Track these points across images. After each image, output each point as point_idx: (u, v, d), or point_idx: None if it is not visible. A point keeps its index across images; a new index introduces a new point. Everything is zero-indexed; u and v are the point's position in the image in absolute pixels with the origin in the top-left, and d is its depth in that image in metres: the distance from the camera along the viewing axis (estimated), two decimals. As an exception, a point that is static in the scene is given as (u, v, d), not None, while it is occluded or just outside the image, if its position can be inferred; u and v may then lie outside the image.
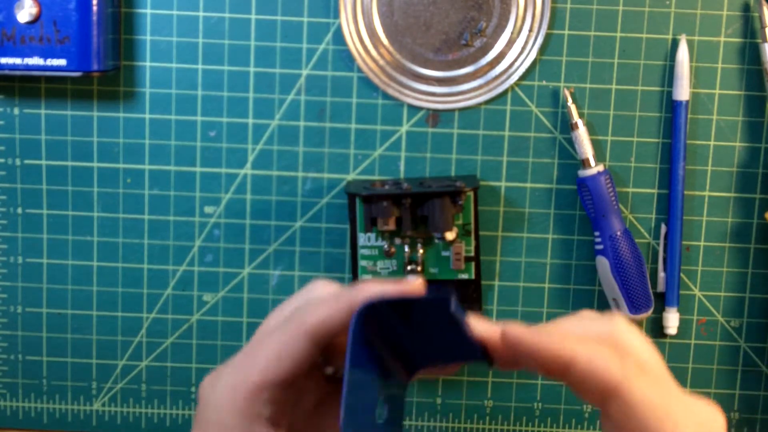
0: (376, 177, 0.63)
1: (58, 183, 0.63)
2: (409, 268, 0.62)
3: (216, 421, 0.45)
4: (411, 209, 0.59)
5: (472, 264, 0.62)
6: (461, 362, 0.48)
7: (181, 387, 0.65)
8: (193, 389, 0.65)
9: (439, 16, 0.61)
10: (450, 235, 0.60)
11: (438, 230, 0.59)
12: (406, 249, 0.62)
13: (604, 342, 0.45)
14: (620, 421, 0.44)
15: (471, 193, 0.61)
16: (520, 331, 0.43)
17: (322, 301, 0.45)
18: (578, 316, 0.47)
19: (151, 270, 0.64)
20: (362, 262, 0.62)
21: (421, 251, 0.62)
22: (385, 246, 0.62)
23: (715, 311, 0.64)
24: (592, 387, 0.43)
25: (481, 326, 0.45)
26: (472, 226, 0.62)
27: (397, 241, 0.62)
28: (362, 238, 0.61)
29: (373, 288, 0.44)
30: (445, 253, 0.62)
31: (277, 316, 0.48)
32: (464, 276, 0.62)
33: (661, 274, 0.63)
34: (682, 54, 0.61)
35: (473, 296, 0.63)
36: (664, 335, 0.64)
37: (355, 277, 0.62)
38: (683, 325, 0.64)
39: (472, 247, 0.62)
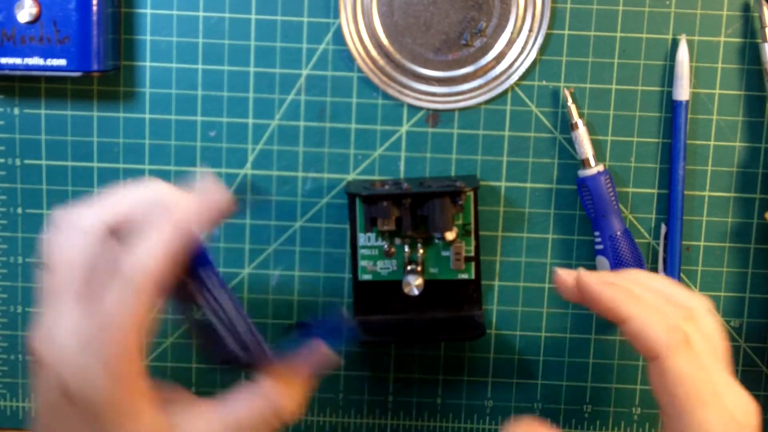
0: (376, 177, 0.63)
1: (58, 183, 0.63)
2: (409, 268, 0.62)
3: (100, 409, 0.44)
4: (411, 209, 0.59)
5: (472, 264, 0.62)
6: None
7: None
8: (193, 389, 0.65)
9: (439, 16, 0.61)
10: (450, 235, 0.60)
11: (438, 230, 0.59)
12: (406, 249, 0.62)
13: (677, 308, 0.50)
14: (655, 382, 0.49)
15: (471, 193, 0.61)
16: (591, 279, 0.51)
17: (151, 246, 0.44)
18: (667, 281, 0.53)
19: (151, 270, 0.64)
20: (362, 262, 0.62)
21: (421, 251, 0.62)
22: (385, 246, 0.62)
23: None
24: (639, 346, 0.49)
25: (563, 272, 0.53)
26: (472, 226, 0.62)
27: (397, 241, 0.62)
28: (362, 238, 0.61)
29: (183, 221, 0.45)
30: (445, 253, 0.62)
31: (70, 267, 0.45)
32: (464, 276, 0.62)
33: (661, 275, 0.63)
34: (682, 54, 0.61)
35: (473, 296, 0.63)
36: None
37: (355, 277, 0.62)
38: (683, 325, 0.64)
39: (472, 247, 0.62)
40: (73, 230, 0.46)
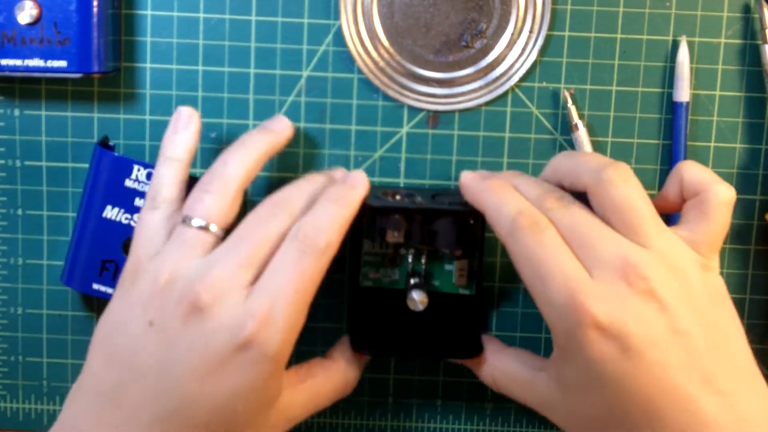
0: (376, 178, 0.62)
1: (58, 184, 0.63)
2: (412, 280, 0.61)
3: (279, 357, 0.52)
4: (421, 224, 0.58)
5: (475, 281, 0.62)
6: None
7: (181, 388, 0.65)
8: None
9: (440, 18, 0.61)
10: (457, 252, 0.60)
11: (447, 248, 0.58)
12: (410, 259, 0.61)
13: (545, 193, 0.54)
14: (514, 265, 0.53)
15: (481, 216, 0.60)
16: (468, 177, 0.57)
17: (340, 224, 0.54)
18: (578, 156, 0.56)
19: (151, 271, 0.64)
20: (365, 269, 0.61)
21: (425, 263, 0.61)
22: (389, 254, 0.61)
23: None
24: (496, 233, 0.54)
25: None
26: (478, 243, 0.61)
27: (402, 250, 0.61)
28: (367, 244, 0.61)
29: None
30: (448, 267, 0.62)
31: (274, 232, 0.54)
32: (465, 292, 0.62)
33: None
34: (683, 55, 0.61)
35: (473, 312, 0.62)
36: (665, 336, 0.64)
37: (356, 282, 0.62)
38: (683, 327, 0.64)
39: (476, 264, 0.61)
40: (266, 216, 0.54)
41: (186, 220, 0.54)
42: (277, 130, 0.58)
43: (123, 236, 0.60)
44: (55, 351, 0.65)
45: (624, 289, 0.49)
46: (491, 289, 0.64)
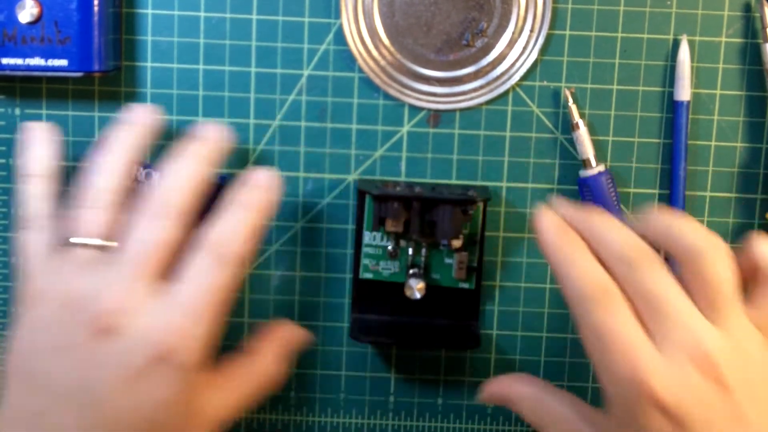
0: (377, 177, 0.63)
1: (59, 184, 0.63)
2: (411, 271, 0.61)
3: (197, 367, 0.52)
4: (420, 213, 0.58)
5: (474, 275, 0.62)
6: None
7: (182, 387, 0.65)
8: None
9: (441, 17, 0.61)
10: (456, 243, 0.60)
11: (445, 237, 0.58)
12: (410, 252, 0.62)
13: (618, 258, 0.51)
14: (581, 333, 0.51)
15: (480, 204, 0.61)
16: (547, 224, 0.53)
17: (252, 232, 0.54)
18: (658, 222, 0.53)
19: (152, 270, 0.64)
20: (365, 261, 0.62)
21: (425, 256, 0.62)
22: (390, 247, 0.62)
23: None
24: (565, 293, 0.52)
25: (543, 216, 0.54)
26: (479, 237, 0.61)
27: (402, 243, 0.62)
28: (367, 236, 0.61)
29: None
30: (448, 261, 0.62)
31: (169, 236, 0.53)
32: (465, 286, 0.62)
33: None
34: (683, 54, 0.61)
35: (472, 306, 0.63)
36: (666, 336, 0.64)
37: (356, 274, 0.62)
38: (684, 326, 0.64)
39: (476, 258, 0.62)
40: (154, 217, 0.53)
41: (68, 240, 0.53)
42: (140, 122, 0.57)
43: None
44: (55, 350, 0.65)
45: (691, 371, 0.48)
46: (492, 288, 0.64)
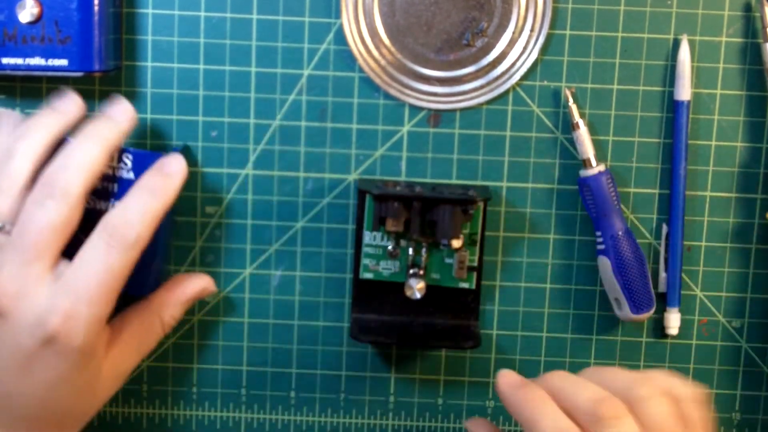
0: (377, 177, 0.63)
1: (59, 183, 0.62)
2: (411, 271, 0.61)
3: (86, 348, 0.53)
4: (421, 213, 0.58)
5: (474, 274, 0.62)
6: None
7: (182, 387, 0.65)
8: (194, 389, 0.65)
9: (441, 16, 0.61)
10: (456, 243, 0.60)
11: (445, 237, 0.58)
12: (410, 252, 0.62)
13: (587, 406, 0.50)
14: None
15: (481, 204, 0.61)
16: (505, 382, 0.54)
17: (151, 217, 0.54)
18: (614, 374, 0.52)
19: (152, 270, 0.64)
20: (365, 260, 0.62)
21: (425, 255, 0.62)
22: (390, 246, 0.62)
23: (716, 311, 0.64)
24: None
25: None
26: (479, 236, 0.61)
27: (402, 243, 0.61)
28: (368, 236, 0.61)
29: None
30: (448, 260, 0.62)
31: (56, 216, 0.53)
32: (465, 285, 0.62)
33: (663, 275, 0.63)
34: (684, 54, 0.61)
35: (471, 306, 0.63)
36: (665, 336, 0.64)
37: (356, 275, 0.62)
38: (684, 326, 0.64)
39: (476, 258, 0.62)
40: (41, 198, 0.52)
41: None
42: (66, 110, 0.56)
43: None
44: (55, 350, 0.65)
45: None
46: (492, 288, 0.64)
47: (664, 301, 0.63)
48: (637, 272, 0.61)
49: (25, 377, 0.52)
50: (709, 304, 0.64)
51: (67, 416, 0.55)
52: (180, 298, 0.60)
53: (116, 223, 0.53)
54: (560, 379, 0.53)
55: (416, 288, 0.61)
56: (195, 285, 0.61)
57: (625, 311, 0.62)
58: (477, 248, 0.62)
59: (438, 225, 0.58)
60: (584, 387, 0.51)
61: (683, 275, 0.63)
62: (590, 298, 0.64)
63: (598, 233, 0.62)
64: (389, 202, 0.58)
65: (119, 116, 0.56)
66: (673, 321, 0.63)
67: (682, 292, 0.63)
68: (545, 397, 0.52)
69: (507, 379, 0.54)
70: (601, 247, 0.61)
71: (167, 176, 0.55)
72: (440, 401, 0.66)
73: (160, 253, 0.60)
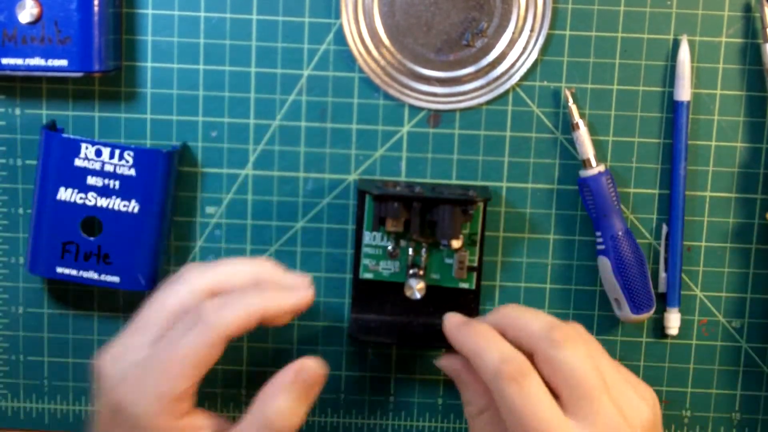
0: (377, 177, 0.63)
1: (59, 183, 0.63)
2: (411, 271, 0.61)
3: (144, 426, 0.52)
4: (421, 213, 0.59)
5: (474, 275, 0.62)
6: None
7: (182, 387, 0.65)
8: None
9: (441, 17, 0.61)
10: (456, 243, 0.60)
11: (445, 237, 0.59)
12: (410, 252, 0.62)
13: (527, 335, 0.53)
14: (500, 410, 0.52)
15: (480, 204, 0.61)
16: (450, 323, 0.57)
17: (245, 311, 0.52)
18: (529, 314, 0.55)
19: (152, 270, 0.64)
20: (365, 261, 0.62)
21: (424, 256, 0.62)
22: (390, 247, 0.62)
23: (716, 312, 0.64)
24: (484, 380, 0.53)
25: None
26: (479, 237, 0.61)
27: (402, 243, 0.62)
28: (368, 236, 0.61)
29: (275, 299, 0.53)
30: (448, 261, 0.62)
31: (159, 310, 0.54)
32: (465, 285, 0.62)
33: (663, 275, 0.63)
34: (684, 54, 0.61)
35: (471, 306, 0.63)
36: (665, 336, 0.64)
37: (356, 274, 0.62)
38: (684, 326, 0.64)
39: (476, 258, 0.62)
40: (181, 284, 0.54)
41: None
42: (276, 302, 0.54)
43: (80, 217, 0.59)
44: (56, 350, 0.65)
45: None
46: (492, 288, 0.64)
47: (664, 301, 0.63)
48: (637, 272, 0.61)
49: None
50: (709, 304, 0.64)
51: None
52: (277, 388, 0.53)
53: (206, 306, 0.52)
54: (505, 313, 0.56)
55: (416, 288, 0.61)
56: (293, 369, 0.53)
57: (625, 311, 0.62)
58: (477, 248, 0.62)
59: (438, 225, 0.58)
60: (534, 316, 0.55)
61: (683, 275, 0.63)
62: (590, 298, 0.64)
63: (598, 233, 0.62)
64: (389, 203, 0.58)
65: (292, 294, 0.54)
66: (673, 321, 0.63)
67: (682, 292, 0.63)
68: (489, 329, 0.55)
69: (452, 320, 0.57)
70: (601, 247, 0.61)
71: (286, 289, 0.54)
72: (440, 401, 0.66)
73: (155, 250, 0.60)
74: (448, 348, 0.63)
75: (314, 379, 0.53)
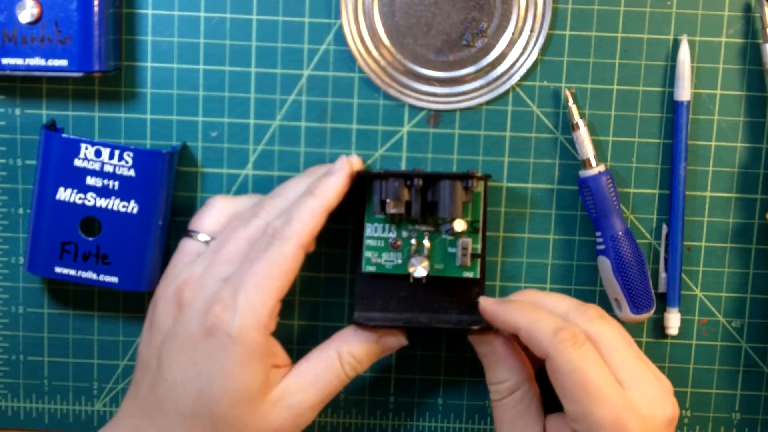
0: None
1: (59, 183, 0.63)
2: (413, 260, 0.61)
3: (241, 340, 0.54)
4: (422, 194, 0.58)
5: (478, 262, 0.61)
6: None
7: (182, 387, 0.65)
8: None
9: (441, 17, 0.61)
10: (458, 226, 0.60)
11: (447, 214, 0.58)
12: (413, 242, 0.61)
13: (574, 312, 0.57)
14: (552, 379, 0.54)
15: (481, 191, 0.61)
16: (488, 302, 0.58)
17: (309, 213, 0.56)
18: (560, 298, 0.59)
19: (152, 270, 0.64)
20: (367, 253, 0.61)
21: (427, 245, 0.61)
22: (392, 238, 0.61)
23: (716, 312, 0.64)
24: (533, 350, 0.55)
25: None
26: (480, 224, 0.61)
27: (404, 233, 0.61)
28: (369, 228, 0.61)
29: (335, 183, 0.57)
30: (451, 250, 0.62)
31: (237, 239, 0.57)
32: (469, 274, 0.62)
33: (663, 275, 0.63)
34: (684, 54, 0.61)
35: (477, 295, 0.62)
36: (665, 336, 0.64)
37: (359, 268, 0.62)
38: (684, 326, 0.64)
39: (479, 245, 0.62)
40: (251, 216, 0.58)
41: (189, 233, 0.60)
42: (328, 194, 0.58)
43: (79, 217, 0.59)
44: (56, 350, 0.65)
45: (662, 420, 0.55)
46: (493, 288, 0.64)
47: (664, 301, 0.63)
48: (636, 273, 0.61)
49: (189, 366, 0.55)
50: (709, 304, 0.64)
51: (222, 423, 0.55)
52: (361, 336, 0.58)
53: (275, 223, 0.56)
54: (528, 296, 0.60)
55: (420, 266, 0.60)
56: (380, 330, 0.59)
57: (625, 311, 0.62)
58: (480, 236, 0.61)
59: (439, 204, 0.58)
60: (560, 297, 0.59)
61: (683, 275, 0.63)
62: (590, 298, 0.64)
63: (598, 233, 0.62)
64: (389, 181, 0.58)
65: (336, 175, 0.58)
66: (673, 321, 0.63)
67: (682, 292, 0.63)
68: (533, 304, 0.57)
69: (489, 300, 0.59)
70: (601, 247, 0.61)
71: (328, 176, 0.58)
72: (440, 401, 0.66)
73: (154, 251, 0.60)
74: (455, 329, 0.62)
75: (394, 346, 0.59)
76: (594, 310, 0.57)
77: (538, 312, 0.56)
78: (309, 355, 0.58)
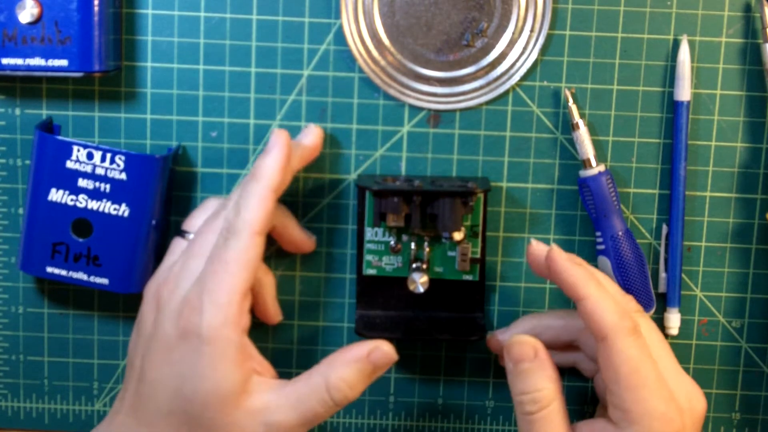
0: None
1: (59, 183, 0.63)
2: (414, 265, 0.61)
3: (211, 340, 0.53)
4: (421, 207, 0.59)
5: (477, 266, 0.62)
6: None
7: (182, 387, 0.65)
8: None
9: (441, 17, 0.61)
10: (458, 236, 0.60)
11: (447, 230, 0.59)
12: (413, 246, 0.62)
13: (629, 301, 0.58)
14: (603, 361, 0.54)
15: (481, 195, 0.61)
16: (561, 255, 0.56)
17: (255, 199, 0.54)
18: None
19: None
20: (367, 257, 0.62)
21: (427, 249, 0.62)
22: (392, 242, 0.62)
23: (716, 312, 0.64)
24: (591, 325, 0.54)
25: (537, 245, 0.57)
26: (480, 228, 0.61)
27: (404, 237, 0.61)
28: (369, 233, 0.61)
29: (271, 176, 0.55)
30: (451, 253, 0.62)
31: (206, 232, 0.57)
32: (468, 277, 0.62)
33: (663, 275, 0.63)
34: (684, 54, 0.61)
35: (476, 298, 0.63)
36: (666, 336, 0.64)
37: (359, 271, 0.62)
38: (684, 326, 0.64)
39: (479, 249, 0.62)
40: (218, 211, 0.57)
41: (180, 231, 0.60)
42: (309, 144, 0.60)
43: (71, 218, 0.59)
44: (56, 350, 0.65)
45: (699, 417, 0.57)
46: (492, 288, 0.64)
47: (664, 301, 0.63)
48: (636, 273, 0.61)
49: (166, 366, 0.55)
50: (709, 305, 0.64)
51: (195, 423, 0.54)
52: (347, 357, 0.54)
53: (228, 216, 0.55)
54: (589, 268, 0.58)
55: (419, 282, 0.61)
56: (368, 346, 0.55)
57: (624, 311, 0.62)
58: (479, 240, 0.61)
59: (439, 218, 0.58)
60: (609, 280, 0.58)
61: (683, 275, 0.63)
62: (590, 298, 0.64)
63: (598, 233, 0.62)
64: (389, 198, 0.58)
65: (273, 151, 0.55)
66: (673, 321, 0.63)
67: (682, 292, 0.63)
68: (598, 278, 0.56)
69: (562, 253, 0.56)
70: (601, 247, 0.61)
71: (264, 155, 0.55)
72: (440, 401, 0.66)
73: (145, 254, 0.60)
74: (454, 340, 0.63)
75: (384, 362, 0.55)
76: (635, 302, 0.58)
77: (605, 289, 0.55)
78: (297, 378, 0.55)
